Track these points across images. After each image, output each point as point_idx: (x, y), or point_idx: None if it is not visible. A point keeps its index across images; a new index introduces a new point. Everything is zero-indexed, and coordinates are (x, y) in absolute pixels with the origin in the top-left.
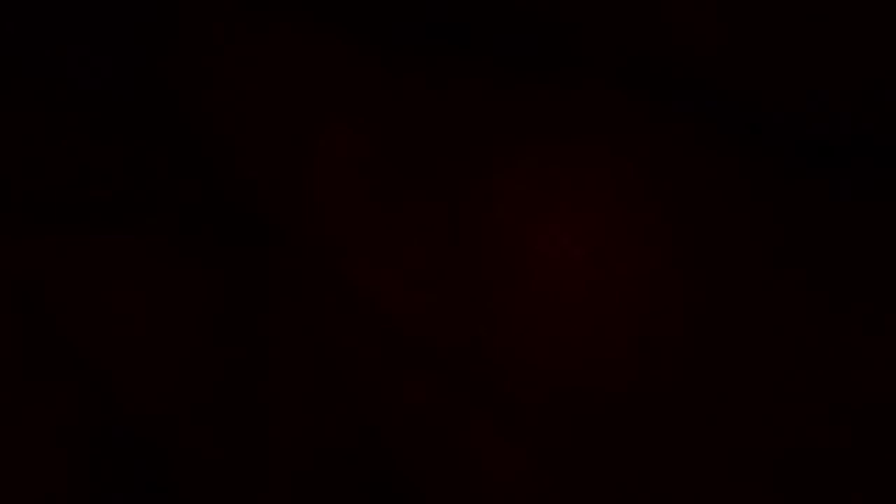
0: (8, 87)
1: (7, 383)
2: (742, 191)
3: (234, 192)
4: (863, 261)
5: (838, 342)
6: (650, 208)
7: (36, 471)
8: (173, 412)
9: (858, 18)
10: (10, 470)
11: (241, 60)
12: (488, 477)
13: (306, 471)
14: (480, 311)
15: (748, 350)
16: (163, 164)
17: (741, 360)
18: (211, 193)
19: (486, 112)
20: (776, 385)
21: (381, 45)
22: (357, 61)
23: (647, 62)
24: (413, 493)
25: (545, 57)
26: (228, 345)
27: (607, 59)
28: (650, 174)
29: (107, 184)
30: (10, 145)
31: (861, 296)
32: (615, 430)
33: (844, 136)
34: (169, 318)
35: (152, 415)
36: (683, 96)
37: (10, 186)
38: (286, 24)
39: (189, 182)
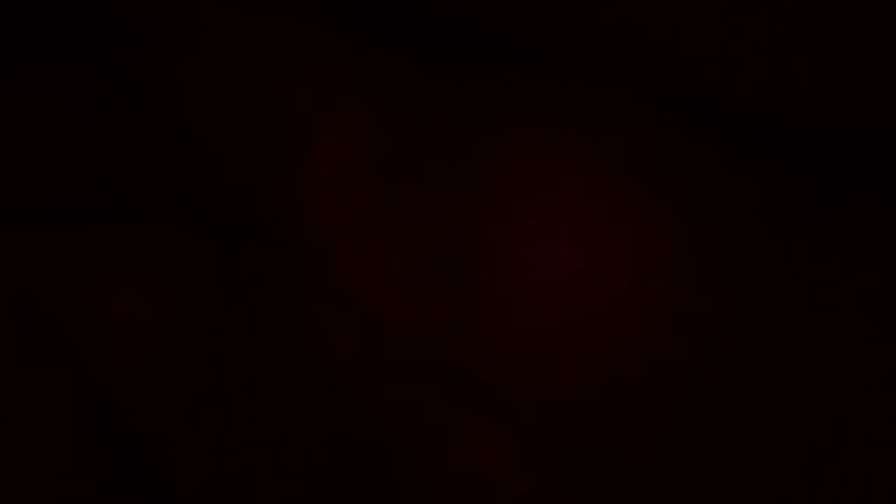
0: (8, 87)
1: (6, 383)
2: (741, 190)
3: (231, 194)
4: (862, 260)
5: (838, 341)
6: (647, 208)
7: (33, 467)
8: (169, 409)
9: (858, 19)
10: (6, 466)
11: (235, 61)
12: (484, 476)
13: (301, 469)
14: (475, 311)
15: (746, 349)
16: (161, 165)
17: (739, 360)
18: (208, 195)
19: (478, 112)
20: (775, 385)
21: (377, 46)
22: (350, 63)
23: (647, 63)
24: (408, 492)
25: (544, 57)
26: (224, 344)
27: (607, 60)
28: (649, 174)
29: (105, 185)
30: (9, 146)
31: (860, 295)
32: (612, 429)
33: (844, 137)
34: (166, 318)
35: (147, 412)
36: (683, 97)
37: (10, 186)
38: (280, 24)
39: (187, 183)
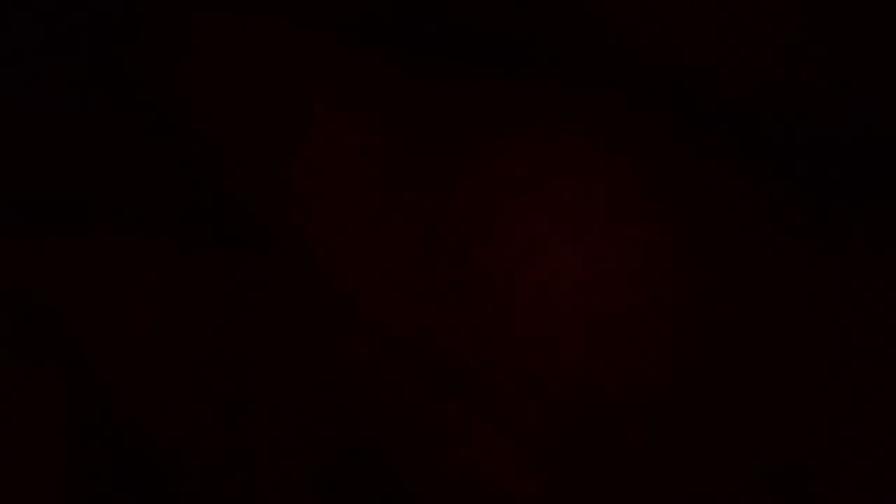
0: (7, 87)
1: (6, 383)
2: (741, 190)
3: (230, 195)
4: (863, 261)
5: (838, 342)
6: (647, 208)
7: (33, 467)
8: (168, 409)
9: (858, 20)
10: (6, 466)
11: (235, 61)
12: (484, 476)
13: (300, 469)
14: (475, 311)
15: (747, 349)
16: (161, 165)
17: (740, 360)
18: (207, 195)
19: (478, 112)
20: (776, 386)
21: (377, 45)
22: (350, 63)
23: (647, 63)
24: (408, 493)
25: (544, 57)
26: (224, 344)
27: (607, 60)
28: (649, 174)
29: (105, 185)
30: (9, 146)
31: (861, 295)
32: (612, 429)
33: (845, 137)
34: (166, 318)
35: (147, 413)
36: (683, 97)
37: (10, 186)
38: (279, 25)
39: (187, 183)
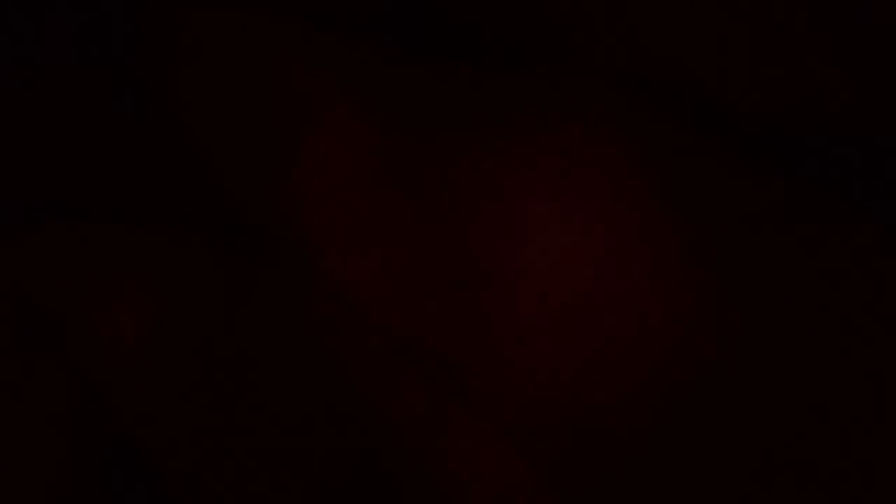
0: (7, 87)
1: (6, 383)
2: (741, 191)
3: (231, 195)
4: (863, 261)
5: (838, 342)
6: (647, 208)
7: (33, 467)
8: (168, 409)
9: (858, 20)
10: (6, 466)
11: (234, 62)
12: (485, 477)
13: (300, 469)
14: (475, 311)
15: (747, 350)
16: (161, 165)
17: (740, 360)
18: (207, 195)
19: (477, 112)
20: (776, 386)
21: (377, 45)
22: (349, 63)
23: (647, 63)
24: (408, 493)
25: (544, 57)
26: (224, 344)
27: (607, 60)
28: (649, 174)
29: (105, 185)
30: (9, 146)
31: (861, 296)
32: (613, 430)
33: (845, 137)
34: (166, 318)
35: (146, 413)
36: (683, 97)
37: (10, 186)
38: (279, 25)
39: (186, 183)
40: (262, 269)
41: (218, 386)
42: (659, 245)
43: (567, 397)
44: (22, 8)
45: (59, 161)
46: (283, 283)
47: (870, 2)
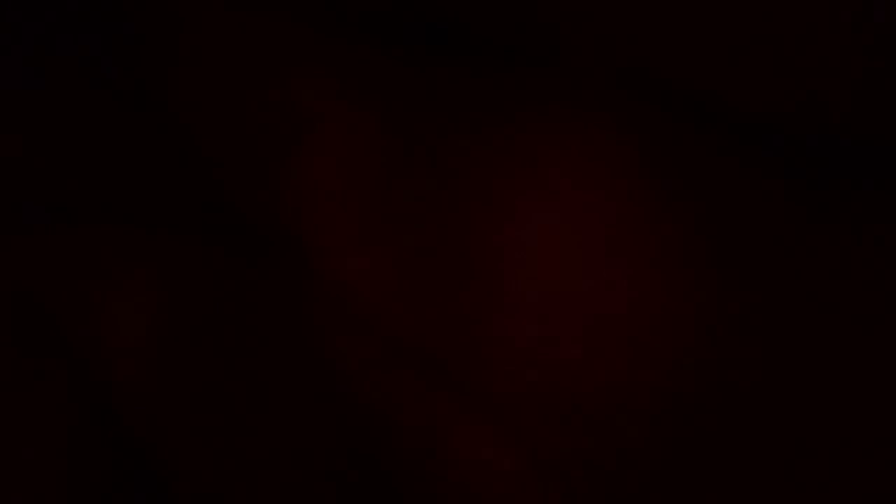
0: (7, 87)
1: (6, 383)
2: (743, 191)
3: (231, 195)
4: (863, 261)
5: (839, 341)
6: (648, 207)
7: (33, 467)
8: (168, 409)
9: (859, 20)
10: (6, 466)
11: (234, 61)
12: (485, 478)
13: (300, 469)
14: (476, 312)
15: (749, 349)
16: (161, 165)
17: (742, 360)
18: (207, 195)
19: (477, 112)
20: (778, 385)
21: (377, 45)
22: (349, 63)
23: (647, 63)
24: (408, 494)
25: (544, 57)
26: (224, 344)
27: (608, 60)
28: (650, 174)
29: (105, 185)
30: (9, 146)
31: (862, 295)
32: (613, 431)
33: (846, 137)
34: (166, 318)
35: (147, 413)
36: (684, 97)
37: (10, 186)
38: (279, 25)
39: (186, 183)
40: (262, 269)
41: (218, 385)
42: (659, 243)
43: (567, 397)
44: (22, 8)
45: (59, 161)
46: (283, 283)
47: (870, 2)
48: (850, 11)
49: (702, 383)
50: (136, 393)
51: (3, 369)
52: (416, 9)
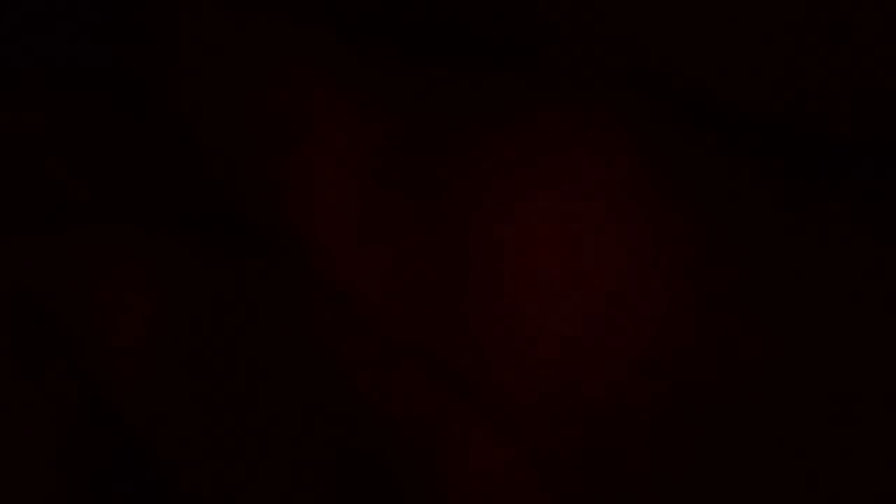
0: (7, 87)
1: (6, 383)
2: (743, 190)
3: (230, 194)
4: (864, 260)
5: (839, 340)
6: (648, 207)
7: (33, 467)
8: (168, 409)
9: (859, 20)
10: (6, 466)
11: (234, 61)
12: (485, 478)
13: (300, 470)
14: (475, 312)
15: (749, 349)
16: (161, 165)
17: (742, 360)
18: (207, 195)
19: (477, 112)
20: (778, 384)
21: (377, 45)
22: (348, 62)
23: (648, 63)
24: (408, 494)
25: (544, 57)
26: (224, 344)
27: (608, 59)
28: (650, 174)
29: (105, 185)
30: (9, 145)
31: (862, 294)
32: (613, 431)
33: (844, 137)
34: (166, 318)
35: (146, 413)
36: (684, 97)
37: (10, 186)
38: (279, 24)
39: (186, 183)
40: (261, 269)
41: (218, 385)
42: (659, 243)
43: (568, 397)
44: (22, 8)
45: (59, 161)
46: (283, 283)
47: (870, 2)
48: (850, 12)
49: (701, 383)
50: (136, 393)
51: (3, 369)
52: (416, 9)
